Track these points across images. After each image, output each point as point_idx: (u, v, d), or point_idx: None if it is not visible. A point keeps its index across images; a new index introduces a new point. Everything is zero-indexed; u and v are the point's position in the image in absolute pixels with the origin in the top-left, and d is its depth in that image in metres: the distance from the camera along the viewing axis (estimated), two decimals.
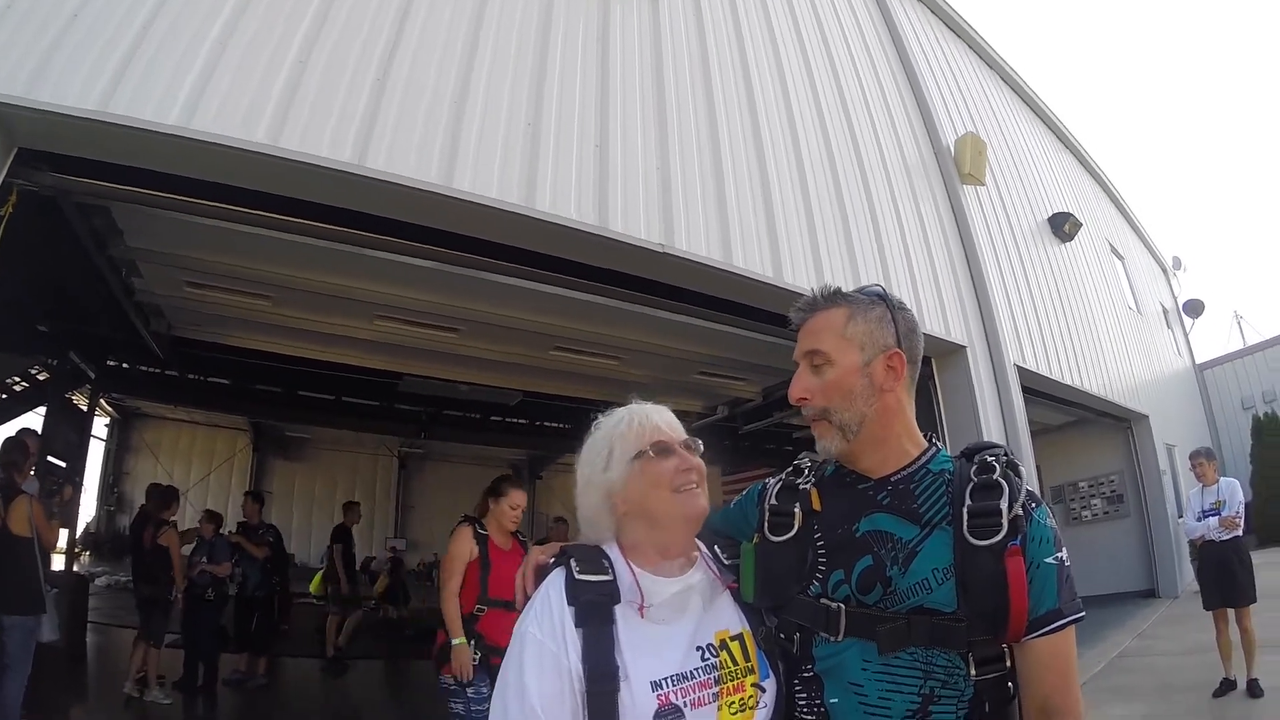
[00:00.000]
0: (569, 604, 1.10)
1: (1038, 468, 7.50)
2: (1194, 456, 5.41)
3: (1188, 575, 9.41)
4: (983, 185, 6.49)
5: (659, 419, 1.25)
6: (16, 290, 4.99)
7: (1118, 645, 6.60)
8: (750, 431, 8.06)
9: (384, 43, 3.42)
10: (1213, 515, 5.11)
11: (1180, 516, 9.85)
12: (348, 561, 7.66)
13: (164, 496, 5.89)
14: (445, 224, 3.53)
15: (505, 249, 3.72)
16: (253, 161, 2.94)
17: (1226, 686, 4.80)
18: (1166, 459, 10.19)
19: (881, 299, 1.24)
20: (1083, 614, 1.07)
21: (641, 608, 1.12)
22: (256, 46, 3.06)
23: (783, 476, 1.30)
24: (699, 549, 1.25)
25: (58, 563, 6.47)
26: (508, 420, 11.14)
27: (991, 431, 5.36)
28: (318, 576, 11.41)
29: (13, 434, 4.74)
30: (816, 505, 1.21)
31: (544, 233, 3.57)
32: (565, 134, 3.76)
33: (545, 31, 4.00)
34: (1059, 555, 1.08)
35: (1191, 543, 5.40)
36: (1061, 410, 8.33)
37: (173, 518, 5.83)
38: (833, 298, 1.24)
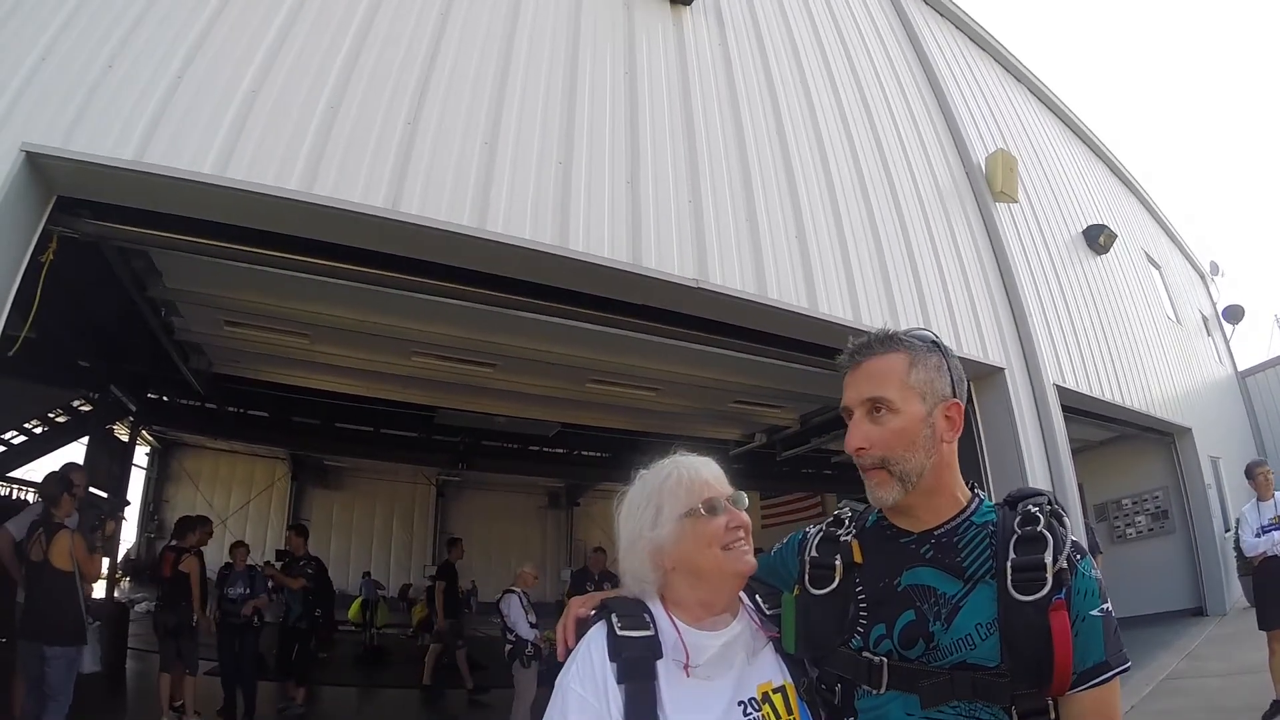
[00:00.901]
0: (610, 660, 1.10)
1: (1080, 485, 7.30)
2: (1255, 468, 5.18)
3: (1236, 591, 9.07)
4: (1015, 202, 6.39)
5: (708, 473, 1.24)
6: (59, 327, 5.13)
7: (1166, 667, 6.39)
8: (789, 458, 7.99)
9: (413, 89, 3.46)
10: (1275, 530, 4.90)
11: (1227, 530, 9.54)
12: (449, 598, 7.70)
13: (182, 525, 5.96)
14: (480, 265, 3.55)
15: (540, 287, 3.73)
16: (287, 208, 2.99)
17: (1277, 709, 4.56)
18: (1211, 472, 9.89)
19: (937, 346, 1.21)
20: (1129, 665, 1.05)
21: (687, 666, 1.11)
22: (288, 96, 3.12)
23: (823, 527, 1.29)
24: (741, 599, 1.25)
25: (98, 590, 6.59)
26: (545, 450, 11.17)
27: (1032, 452, 5.25)
28: (355, 604, 11.58)
29: (57, 469, 4.86)
30: (858, 558, 1.19)
31: (578, 271, 3.58)
32: (596, 172, 3.77)
33: (573, 71, 4.03)
34: (1104, 606, 1.06)
35: (1248, 559, 5.17)
36: (1103, 427, 8.14)
37: (198, 546, 5.85)
38: (889, 342, 1.20)
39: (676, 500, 1.19)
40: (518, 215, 3.43)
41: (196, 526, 5.95)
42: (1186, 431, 9.49)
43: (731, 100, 4.63)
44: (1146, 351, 8.77)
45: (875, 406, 1.16)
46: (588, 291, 3.80)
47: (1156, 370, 8.94)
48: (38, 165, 2.61)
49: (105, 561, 6.87)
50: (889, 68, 6.33)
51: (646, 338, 4.36)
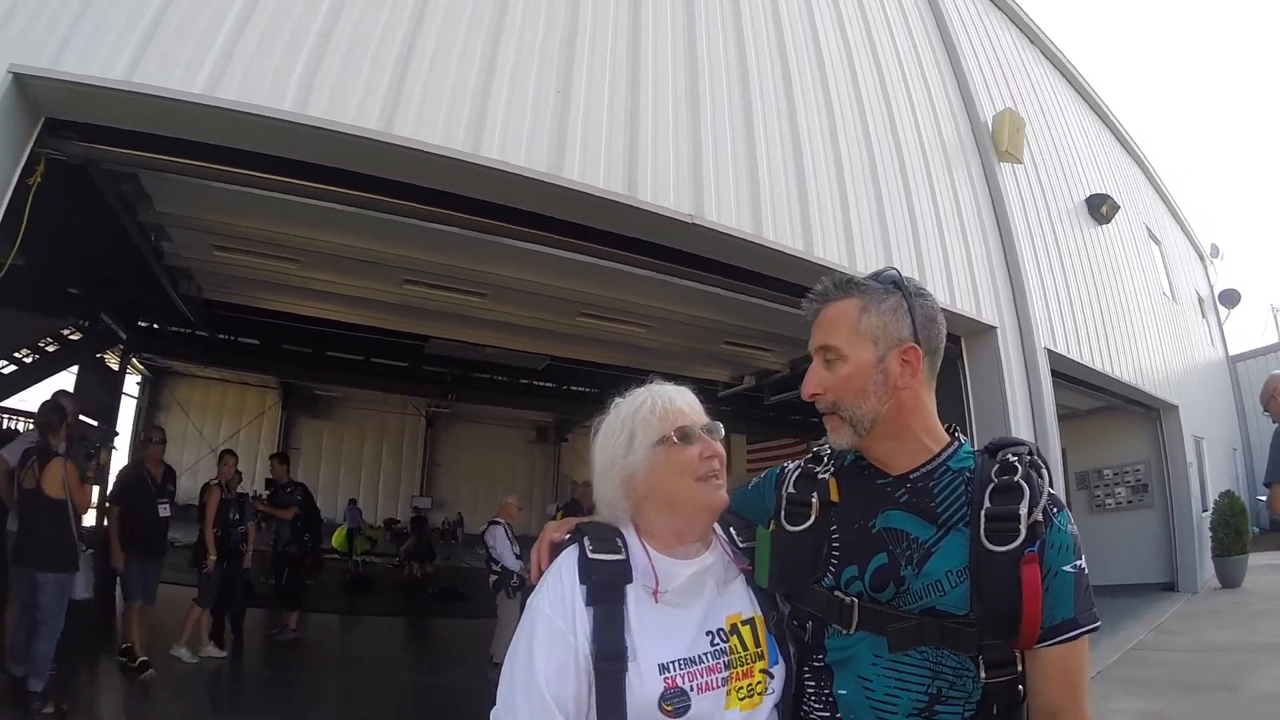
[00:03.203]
0: (580, 582, 1.10)
1: (1063, 452, 7.37)
2: None
3: (1208, 571, 9.26)
4: (1020, 163, 6.31)
5: (681, 402, 1.22)
6: (48, 254, 5.08)
7: (1134, 637, 6.51)
8: (777, 402, 7.93)
9: (411, 8, 3.37)
10: None
11: (1205, 510, 9.70)
12: None
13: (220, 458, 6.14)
14: (472, 191, 3.51)
15: (533, 216, 3.69)
16: (279, 129, 2.94)
17: None
18: (1194, 451, 10.00)
19: (897, 286, 1.18)
20: (1098, 625, 1.04)
21: (656, 592, 1.12)
22: (282, 13, 3.04)
23: (801, 463, 1.28)
24: (715, 530, 1.24)
25: (89, 519, 6.66)
26: (535, 383, 11.17)
27: (1019, 413, 5.28)
28: (340, 531, 11.78)
29: (49, 397, 4.86)
30: (834, 496, 1.18)
31: (571, 201, 3.53)
32: (595, 102, 3.69)
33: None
34: (1078, 563, 1.04)
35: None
36: (1090, 395, 8.19)
37: (218, 480, 5.94)
38: (845, 287, 1.18)
39: (649, 428, 1.18)
40: (513, 142, 3.37)
41: (225, 459, 6.08)
42: (1173, 409, 9.57)
43: (737, 38, 4.52)
44: (1140, 325, 8.78)
45: (826, 355, 1.16)
46: (582, 222, 3.76)
47: (1148, 345, 8.97)
48: (25, 86, 2.56)
49: (95, 490, 6.94)
50: (900, 17, 6.18)
51: (640, 272, 4.33)
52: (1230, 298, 14.51)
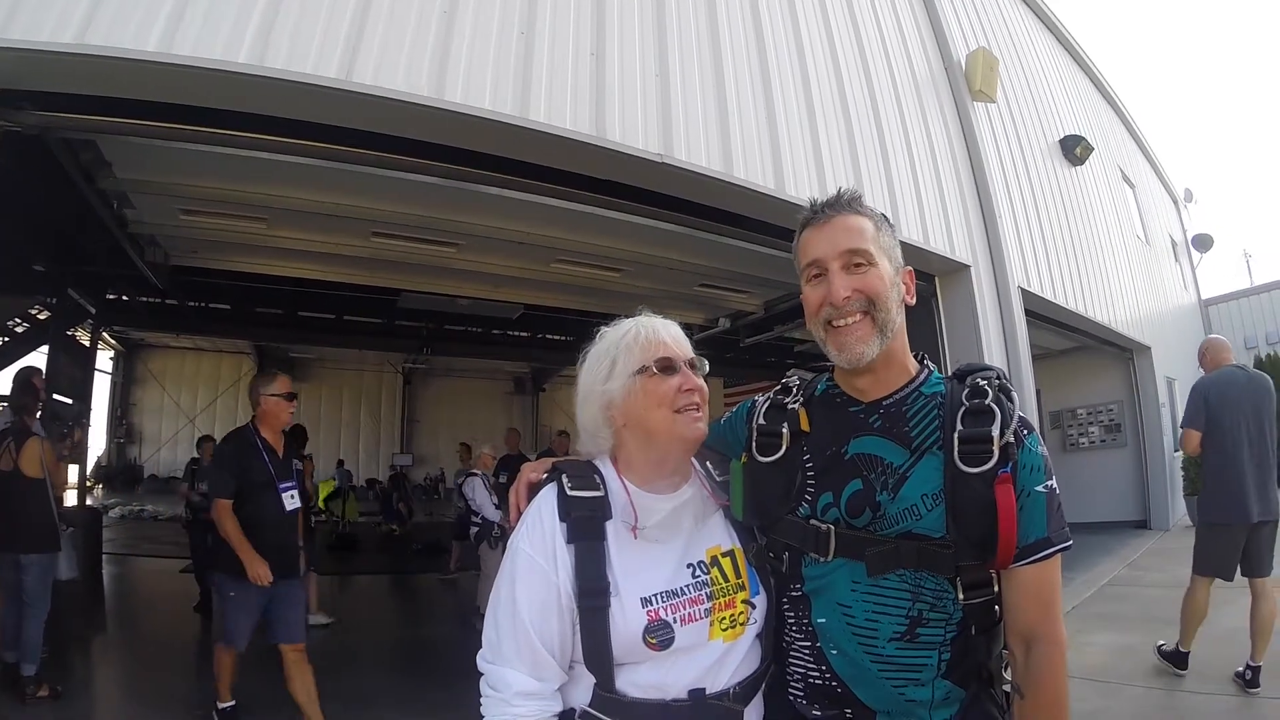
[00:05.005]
0: (560, 520, 1.11)
1: (1037, 392, 7.50)
2: None
3: (1179, 509, 9.49)
4: (993, 103, 6.28)
5: (665, 334, 1.23)
6: (9, 231, 4.95)
7: (1108, 573, 6.71)
8: (752, 344, 8.03)
9: None
10: None
11: (1177, 451, 9.92)
12: None
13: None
14: (437, 137, 3.45)
15: (501, 161, 3.64)
16: (237, 83, 2.86)
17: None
18: (1166, 392, 10.20)
19: (886, 220, 1.23)
20: (1070, 543, 1.07)
21: (634, 528, 1.13)
22: None
23: (770, 395, 1.29)
24: (693, 464, 1.26)
25: (70, 498, 6.59)
26: (510, 334, 11.14)
27: (993, 353, 5.36)
28: (324, 486, 11.81)
29: (18, 376, 4.75)
30: (805, 425, 1.20)
31: (539, 143, 3.48)
32: (560, 41, 3.61)
33: None
34: (1049, 484, 1.07)
35: None
36: (1064, 336, 8.32)
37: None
38: (856, 204, 1.20)
39: (631, 356, 1.18)
40: (476, 85, 3.30)
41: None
42: (1146, 350, 9.74)
43: None
44: (1113, 267, 8.87)
45: (855, 259, 1.15)
46: (550, 165, 3.71)
47: (1122, 286, 9.08)
48: None
49: (74, 470, 6.86)
50: None
51: (611, 215, 4.29)
52: (1203, 242, 14.66)
